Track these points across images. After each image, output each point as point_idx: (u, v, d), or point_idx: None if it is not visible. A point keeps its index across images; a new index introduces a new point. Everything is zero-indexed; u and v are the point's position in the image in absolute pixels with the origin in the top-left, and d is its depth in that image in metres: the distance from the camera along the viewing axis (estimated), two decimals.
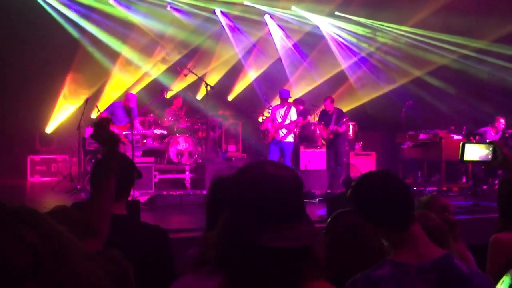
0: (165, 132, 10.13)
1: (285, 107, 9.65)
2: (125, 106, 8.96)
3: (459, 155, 2.21)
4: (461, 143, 2.23)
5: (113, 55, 12.52)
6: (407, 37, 14.06)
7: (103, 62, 12.28)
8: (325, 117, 10.13)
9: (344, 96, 14.20)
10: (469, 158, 2.22)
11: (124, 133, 8.82)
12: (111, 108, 9.05)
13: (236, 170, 1.36)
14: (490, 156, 2.19)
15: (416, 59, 13.91)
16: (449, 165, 9.96)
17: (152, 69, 13.17)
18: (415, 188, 9.46)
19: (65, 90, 12.06)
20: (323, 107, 10.44)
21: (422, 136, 10.26)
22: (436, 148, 9.87)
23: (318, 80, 14.26)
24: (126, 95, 9.23)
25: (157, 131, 9.87)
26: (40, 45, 11.07)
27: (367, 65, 14.55)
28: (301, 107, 11.15)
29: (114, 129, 8.77)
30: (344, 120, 9.89)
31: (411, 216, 1.86)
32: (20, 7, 11.07)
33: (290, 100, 10.36)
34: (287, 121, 9.56)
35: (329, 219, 2.33)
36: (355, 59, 14.47)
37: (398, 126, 11.18)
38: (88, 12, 12.17)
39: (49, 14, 11.84)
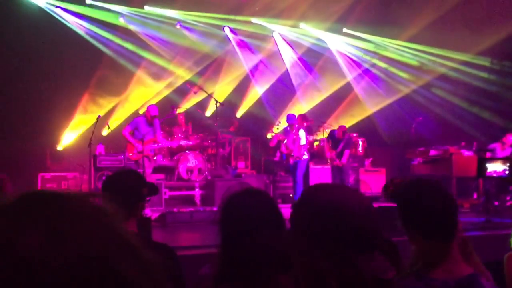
0: (191, 143, 10.15)
1: (293, 131, 9.79)
2: (147, 118, 8.90)
3: (476, 171, 2.22)
4: (478, 159, 2.24)
5: (128, 74, 12.65)
6: (406, 51, 14.26)
7: (119, 81, 12.39)
8: (334, 139, 10.24)
9: (351, 108, 14.27)
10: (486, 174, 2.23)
11: (151, 146, 8.79)
12: (134, 123, 8.96)
13: (313, 195, 1.34)
14: (507, 172, 2.20)
15: (420, 71, 14.07)
16: (459, 181, 9.90)
17: (165, 87, 13.25)
18: None
19: (80, 109, 12.15)
20: (333, 127, 10.55)
21: (432, 152, 10.22)
22: (447, 164, 9.83)
23: (325, 93, 14.34)
24: (147, 108, 9.17)
25: (183, 142, 9.92)
26: (57, 63, 11.14)
27: (371, 77, 14.67)
28: (305, 123, 11.17)
29: (139, 144, 8.63)
30: (346, 151, 10.06)
31: (456, 229, 1.84)
32: (39, 22, 11.20)
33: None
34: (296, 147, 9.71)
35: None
36: (359, 71, 14.59)
37: (408, 142, 11.14)
38: (106, 29, 12.40)
39: (68, 31, 12.03)
